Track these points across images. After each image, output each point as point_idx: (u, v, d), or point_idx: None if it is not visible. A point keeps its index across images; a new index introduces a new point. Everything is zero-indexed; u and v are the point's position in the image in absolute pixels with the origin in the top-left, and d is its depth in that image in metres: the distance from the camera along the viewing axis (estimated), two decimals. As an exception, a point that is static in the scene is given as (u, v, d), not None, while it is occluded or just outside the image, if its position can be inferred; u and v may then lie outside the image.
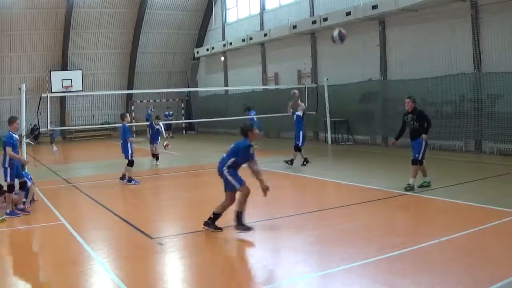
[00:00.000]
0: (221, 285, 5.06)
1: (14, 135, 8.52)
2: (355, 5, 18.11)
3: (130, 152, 11.58)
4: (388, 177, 10.75)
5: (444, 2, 15.25)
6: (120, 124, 12.00)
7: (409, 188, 9.15)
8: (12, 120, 8.68)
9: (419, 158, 9.23)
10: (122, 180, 11.59)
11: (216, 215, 6.88)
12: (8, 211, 8.26)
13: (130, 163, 11.58)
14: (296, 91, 13.99)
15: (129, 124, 12.38)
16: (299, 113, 13.42)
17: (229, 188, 6.86)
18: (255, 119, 19.08)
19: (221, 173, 6.91)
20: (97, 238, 6.95)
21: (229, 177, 6.78)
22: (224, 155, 6.99)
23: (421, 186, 9.38)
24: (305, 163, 13.17)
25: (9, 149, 8.31)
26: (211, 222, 6.86)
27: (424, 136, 9.24)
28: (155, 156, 15.03)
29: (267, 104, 23.34)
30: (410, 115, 9.44)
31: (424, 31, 16.45)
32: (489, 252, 5.61)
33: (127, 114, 12.46)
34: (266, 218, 7.81)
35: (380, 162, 14.42)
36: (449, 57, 15.69)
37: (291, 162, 13.25)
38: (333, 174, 12.03)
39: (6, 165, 8.34)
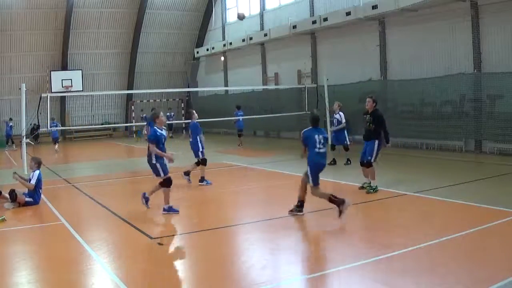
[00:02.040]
0: (221, 285, 5.06)
1: (159, 130, 8.30)
2: (355, 5, 18.12)
3: (201, 149, 11.03)
4: (387, 177, 10.74)
5: (444, 2, 15.26)
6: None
7: (370, 189, 9.10)
8: (155, 116, 8.44)
9: (372, 161, 9.19)
10: (187, 176, 11.11)
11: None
12: (166, 207, 8.17)
13: (204, 162, 11.09)
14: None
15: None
16: (337, 116, 13.69)
17: None
18: (241, 120, 19.23)
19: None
20: (97, 238, 6.94)
21: None
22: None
23: (362, 188, 9.37)
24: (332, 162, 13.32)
25: (152, 146, 8.15)
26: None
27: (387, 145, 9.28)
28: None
29: (267, 104, 23.38)
30: (368, 116, 9.32)
31: (424, 31, 16.45)
32: (489, 252, 5.61)
33: (194, 111, 11.72)
34: (266, 218, 7.81)
35: (379, 162, 14.39)
36: (449, 57, 15.69)
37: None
38: (332, 174, 12.01)
39: (154, 161, 8.23)
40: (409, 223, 7.09)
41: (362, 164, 9.41)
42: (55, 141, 21.61)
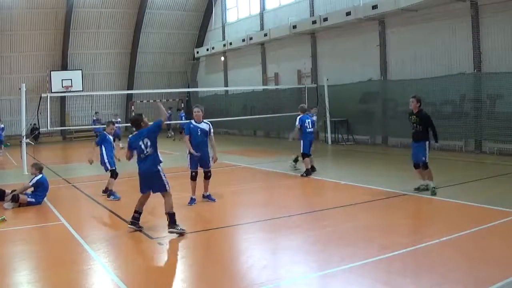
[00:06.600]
0: (221, 285, 5.06)
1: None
2: (355, 5, 18.13)
3: (105, 160, 9.83)
4: (388, 177, 10.75)
5: (444, 2, 15.26)
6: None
7: (434, 190, 8.82)
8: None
9: (426, 161, 8.93)
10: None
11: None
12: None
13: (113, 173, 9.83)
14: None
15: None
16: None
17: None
18: (184, 119, 19.33)
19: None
20: (97, 238, 6.94)
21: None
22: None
23: (417, 189, 9.16)
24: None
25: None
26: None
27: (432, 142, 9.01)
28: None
29: (267, 104, 23.38)
30: (414, 116, 9.08)
31: (424, 31, 16.46)
32: (489, 252, 5.61)
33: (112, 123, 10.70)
34: (266, 218, 7.81)
35: (380, 162, 14.41)
36: (449, 57, 15.70)
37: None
38: (333, 174, 12.02)
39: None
40: (409, 223, 7.09)
41: (416, 166, 9.15)
42: (117, 137, 21.87)
